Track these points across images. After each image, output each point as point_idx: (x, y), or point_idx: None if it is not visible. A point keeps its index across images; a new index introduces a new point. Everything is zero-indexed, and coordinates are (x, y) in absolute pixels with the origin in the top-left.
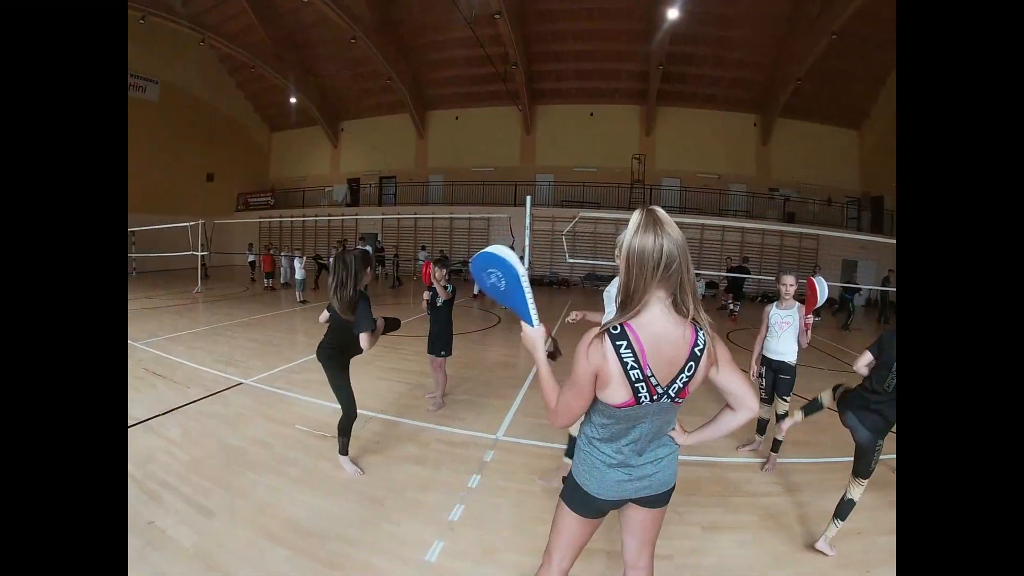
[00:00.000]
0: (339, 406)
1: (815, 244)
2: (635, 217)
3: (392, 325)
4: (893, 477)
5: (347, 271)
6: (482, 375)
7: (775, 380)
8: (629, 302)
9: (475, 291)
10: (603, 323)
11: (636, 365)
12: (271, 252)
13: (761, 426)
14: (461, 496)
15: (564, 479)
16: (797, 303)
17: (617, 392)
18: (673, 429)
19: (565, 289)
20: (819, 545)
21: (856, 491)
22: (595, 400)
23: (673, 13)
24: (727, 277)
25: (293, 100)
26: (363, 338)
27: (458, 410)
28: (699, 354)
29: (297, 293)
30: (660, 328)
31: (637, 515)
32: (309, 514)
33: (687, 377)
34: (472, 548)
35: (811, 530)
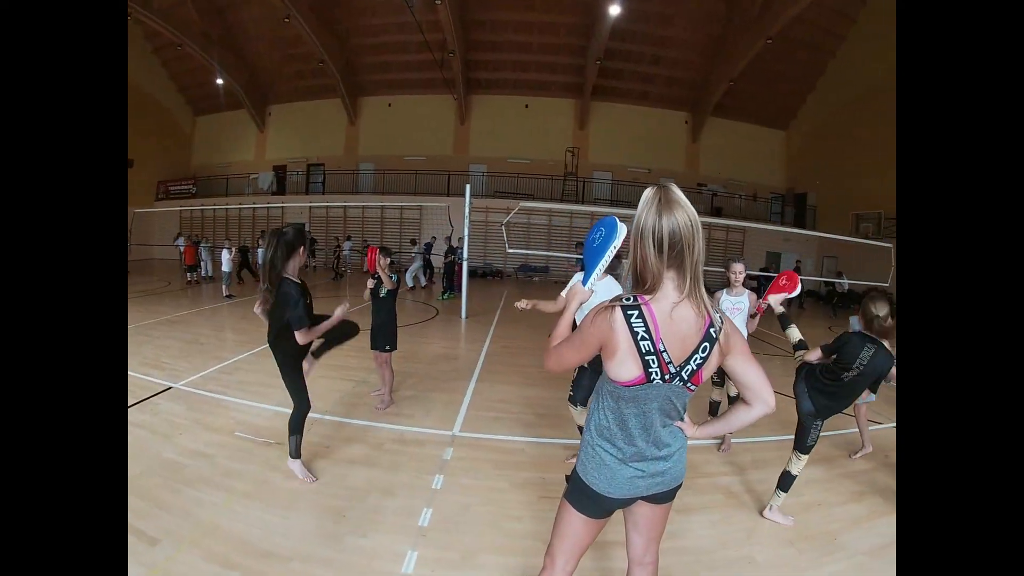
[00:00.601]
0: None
1: (741, 236)
2: (647, 195)
3: (345, 333)
4: (839, 452)
5: (275, 248)
6: (426, 369)
7: None
8: (640, 279)
9: (410, 283)
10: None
11: (647, 336)
12: (196, 244)
13: (713, 409)
14: (426, 499)
15: (567, 478)
16: (747, 290)
17: (626, 365)
18: (682, 420)
19: (499, 280)
20: (767, 514)
21: (796, 465)
22: (603, 385)
23: (615, 9)
24: None
25: (220, 82)
26: (299, 335)
27: (407, 407)
28: (715, 336)
29: (223, 287)
30: (673, 305)
31: (646, 512)
32: (264, 532)
33: (701, 359)
34: (449, 554)
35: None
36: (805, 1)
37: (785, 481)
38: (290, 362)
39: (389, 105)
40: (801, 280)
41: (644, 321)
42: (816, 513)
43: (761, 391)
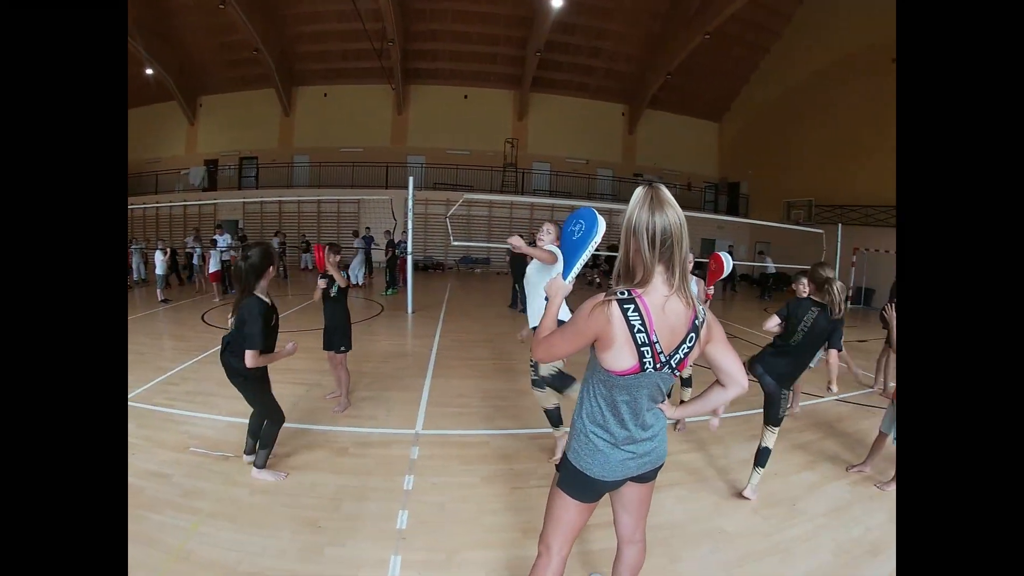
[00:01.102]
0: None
1: None
2: (637, 193)
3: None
4: (788, 426)
5: (242, 268)
6: (379, 368)
7: None
8: (631, 273)
9: (354, 280)
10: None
11: (643, 329)
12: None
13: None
14: (400, 501)
15: (557, 466)
16: (695, 277)
17: (622, 355)
18: (663, 401)
19: (441, 273)
20: (746, 493)
21: (770, 439)
22: (594, 374)
23: (557, 2)
24: (606, 256)
25: (150, 72)
26: (248, 356)
27: (365, 408)
28: (699, 326)
29: (158, 291)
30: (664, 298)
31: (634, 492)
32: (240, 555)
33: (688, 348)
34: (432, 555)
35: (733, 478)
36: (740, 1)
37: (762, 457)
38: (252, 381)
39: (325, 95)
40: (733, 264)
41: (640, 314)
42: (775, 483)
43: (736, 375)
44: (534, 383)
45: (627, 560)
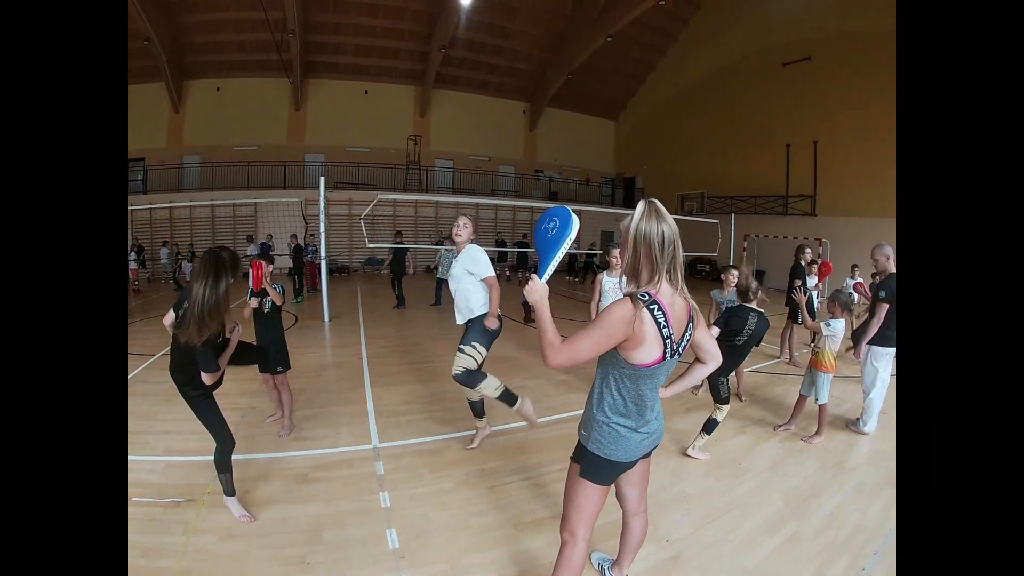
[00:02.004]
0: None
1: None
2: (640, 207)
3: (248, 357)
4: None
5: (214, 277)
6: (313, 383)
7: None
8: (638, 276)
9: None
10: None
11: (666, 324)
12: None
13: None
14: (383, 520)
15: (572, 458)
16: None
17: (652, 350)
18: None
19: (346, 276)
20: (691, 452)
21: (720, 413)
22: (615, 369)
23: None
24: (516, 252)
25: None
26: (205, 377)
27: (311, 428)
28: (694, 316)
29: None
30: (671, 295)
31: (639, 467)
32: None
33: (689, 335)
34: (436, 567)
35: (682, 448)
36: (646, 5)
37: (710, 425)
38: (201, 398)
39: (218, 90)
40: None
41: (662, 312)
42: (717, 448)
43: (714, 351)
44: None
45: (636, 529)
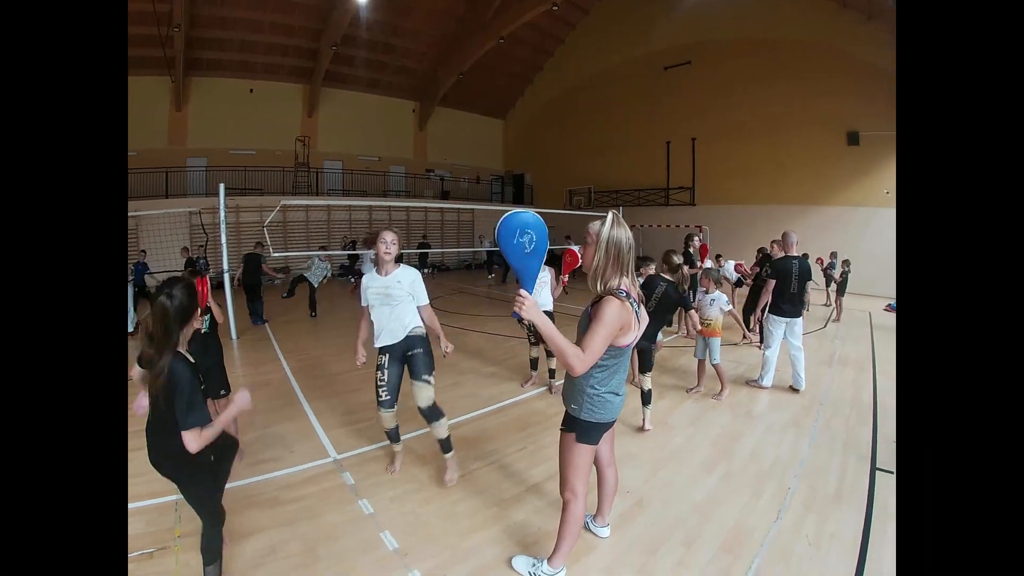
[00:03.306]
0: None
1: (471, 217)
2: (610, 217)
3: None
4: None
5: (161, 316)
6: None
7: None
8: (604, 274)
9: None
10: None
11: (637, 311)
12: None
13: (533, 363)
14: (373, 526)
15: (564, 428)
16: (547, 267)
17: (632, 333)
18: None
19: (237, 287)
20: (647, 426)
21: (647, 383)
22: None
23: None
24: (418, 252)
25: None
26: (188, 437)
27: (261, 451)
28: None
29: None
30: (629, 287)
31: (611, 425)
32: None
33: (640, 315)
34: (440, 557)
35: (622, 419)
36: (540, 9)
37: (647, 398)
38: (204, 467)
39: None
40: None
41: (634, 301)
42: (638, 414)
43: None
44: (382, 404)
45: (610, 477)
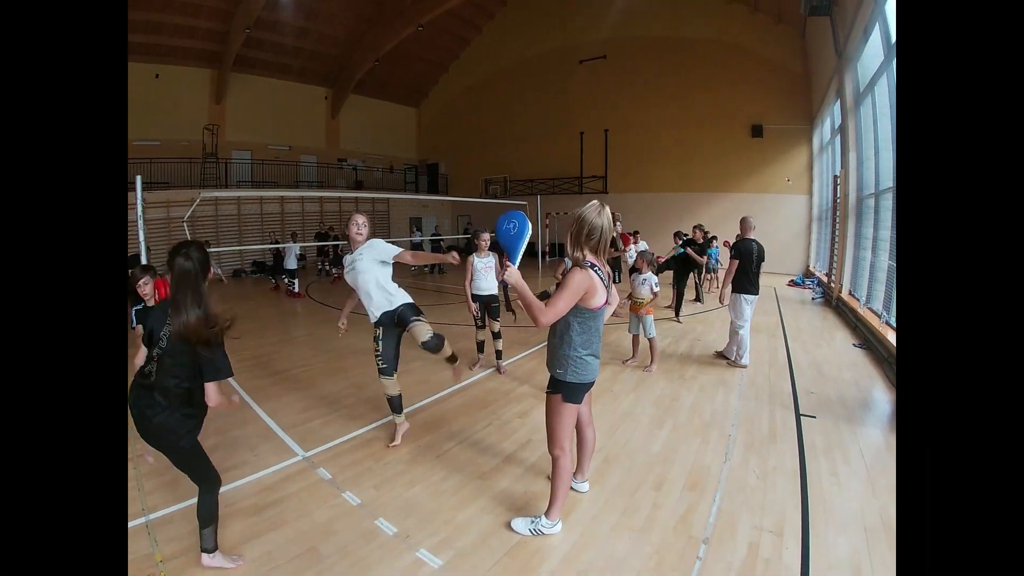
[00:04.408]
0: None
1: (386, 207)
2: (595, 204)
3: None
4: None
5: (191, 272)
6: None
7: (487, 309)
8: (582, 248)
9: None
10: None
11: (603, 279)
12: None
13: (480, 346)
14: (365, 515)
15: (550, 391)
16: (491, 253)
17: (599, 297)
18: None
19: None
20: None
21: None
22: (577, 315)
23: None
24: (325, 246)
25: None
26: (212, 389)
27: (226, 457)
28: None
29: None
30: (598, 261)
31: (591, 385)
32: None
33: (609, 287)
34: (441, 533)
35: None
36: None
37: None
38: (194, 436)
39: None
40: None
41: (599, 272)
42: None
43: (615, 297)
44: (382, 372)
45: (589, 437)
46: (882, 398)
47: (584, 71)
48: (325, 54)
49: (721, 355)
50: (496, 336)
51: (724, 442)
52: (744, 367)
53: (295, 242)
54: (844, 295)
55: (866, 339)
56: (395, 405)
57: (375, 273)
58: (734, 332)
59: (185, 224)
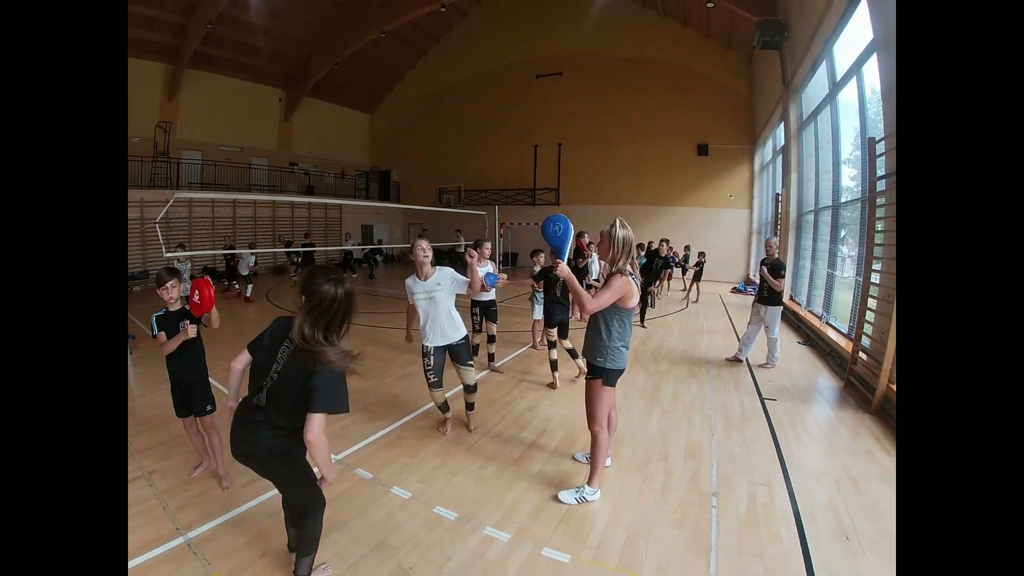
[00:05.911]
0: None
1: (339, 213)
2: (618, 221)
3: None
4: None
5: (337, 299)
6: (180, 425)
7: (486, 312)
8: (616, 260)
9: None
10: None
11: (638, 284)
12: None
13: (475, 349)
14: (421, 507)
15: (590, 377)
16: (490, 261)
17: (634, 299)
18: None
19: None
20: (582, 363)
21: (568, 343)
22: (617, 312)
23: None
24: (302, 252)
25: None
26: (318, 421)
27: (241, 472)
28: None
29: None
30: (631, 270)
31: (623, 371)
32: None
33: (640, 292)
34: (496, 515)
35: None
36: (427, 9)
37: (574, 353)
38: (300, 461)
39: None
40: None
41: (635, 279)
42: (542, 370)
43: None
44: (432, 385)
45: (614, 419)
46: (826, 384)
47: (540, 85)
48: (286, 54)
49: (735, 359)
50: (491, 339)
51: (707, 422)
52: (774, 367)
53: (252, 251)
54: (786, 300)
55: (808, 337)
56: (444, 407)
57: (448, 304)
58: (772, 339)
59: (157, 226)
